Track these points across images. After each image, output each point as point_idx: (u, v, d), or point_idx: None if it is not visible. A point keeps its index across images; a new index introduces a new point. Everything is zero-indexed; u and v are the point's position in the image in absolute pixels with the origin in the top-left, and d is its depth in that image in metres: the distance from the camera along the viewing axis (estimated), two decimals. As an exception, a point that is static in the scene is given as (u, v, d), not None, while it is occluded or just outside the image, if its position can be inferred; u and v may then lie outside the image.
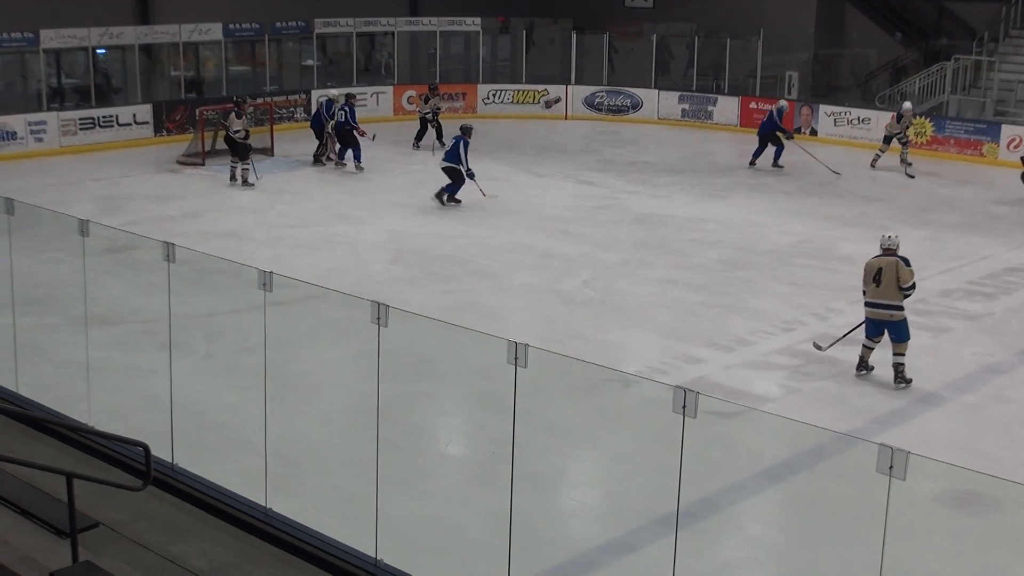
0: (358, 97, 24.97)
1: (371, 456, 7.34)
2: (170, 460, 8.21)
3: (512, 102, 29.38)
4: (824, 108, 26.49)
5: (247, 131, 20.61)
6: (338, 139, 22.35)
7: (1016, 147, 23.49)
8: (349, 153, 22.29)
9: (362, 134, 21.88)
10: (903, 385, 11.47)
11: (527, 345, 6.51)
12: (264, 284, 7.79)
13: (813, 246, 17.06)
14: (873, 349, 11.79)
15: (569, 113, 29.30)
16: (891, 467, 5.40)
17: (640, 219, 18.60)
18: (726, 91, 28.51)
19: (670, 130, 28.10)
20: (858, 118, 25.78)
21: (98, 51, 25.31)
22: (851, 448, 8.09)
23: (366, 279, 14.82)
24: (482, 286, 14.85)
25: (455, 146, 18.83)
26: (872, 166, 22.93)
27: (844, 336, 12.20)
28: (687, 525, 6.64)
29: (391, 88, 28.77)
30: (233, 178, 20.57)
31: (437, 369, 11.41)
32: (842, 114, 26.18)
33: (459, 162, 18.71)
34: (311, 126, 23.39)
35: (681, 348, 12.57)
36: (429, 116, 24.79)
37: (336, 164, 22.37)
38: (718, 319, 13.64)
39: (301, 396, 10.52)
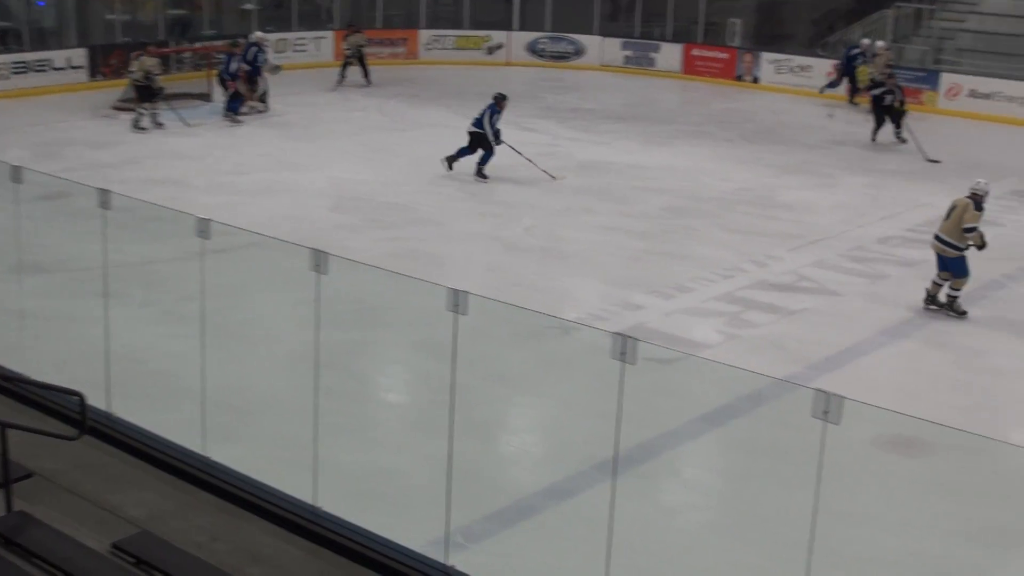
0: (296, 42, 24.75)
1: (312, 404, 7.31)
2: (106, 409, 8.13)
3: (454, 48, 29.12)
4: (766, 56, 26.53)
5: (146, 74, 20.07)
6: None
7: (955, 95, 23.71)
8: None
9: (230, 87, 21.41)
10: (952, 316, 11.92)
11: (467, 292, 6.50)
12: (202, 231, 7.69)
13: (755, 194, 17.15)
14: (941, 286, 12.06)
15: (511, 59, 29.11)
16: (826, 412, 5.48)
17: (582, 166, 18.58)
18: (670, 38, 28.46)
19: (613, 77, 28.03)
20: (800, 66, 25.86)
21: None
22: (788, 393, 8.19)
23: (308, 226, 14.67)
24: (425, 233, 14.79)
25: (482, 111, 17.41)
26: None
27: None
28: (626, 470, 6.70)
29: (332, 33, 28.38)
30: (136, 124, 20.01)
31: (379, 317, 11.38)
32: (784, 62, 26.25)
33: (483, 128, 17.28)
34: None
35: (622, 295, 12.62)
36: (349, 53, 25.17)
37: (224, 115, 21.40)
38: (659, 266, 13.70)
39: (242, 344, 10.45)
